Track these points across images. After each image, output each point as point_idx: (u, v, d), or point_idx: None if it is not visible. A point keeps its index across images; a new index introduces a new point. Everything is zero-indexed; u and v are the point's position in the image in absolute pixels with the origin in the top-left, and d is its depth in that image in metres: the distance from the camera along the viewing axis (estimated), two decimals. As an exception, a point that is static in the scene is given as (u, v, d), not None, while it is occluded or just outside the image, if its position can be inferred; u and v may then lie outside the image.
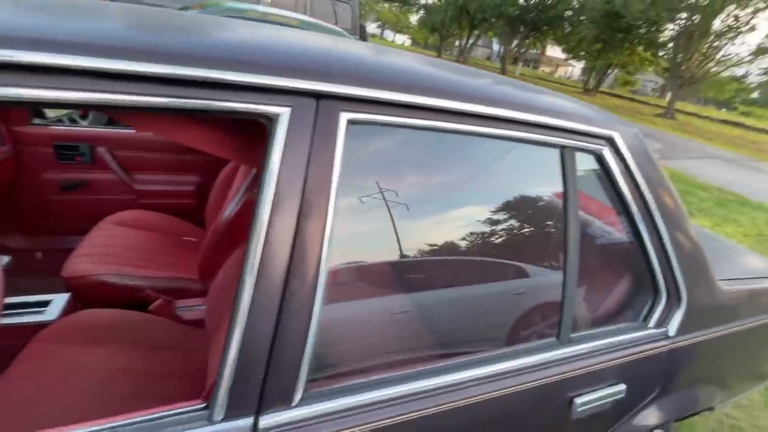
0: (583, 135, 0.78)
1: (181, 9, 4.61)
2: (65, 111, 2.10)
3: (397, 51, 0.92)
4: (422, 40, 55.83)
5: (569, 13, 23.25)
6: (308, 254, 0.57)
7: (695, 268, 0.96)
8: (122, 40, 0.49)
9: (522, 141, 0.74)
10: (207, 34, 0.65)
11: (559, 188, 0.79)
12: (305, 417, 0.59)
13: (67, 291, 1.30)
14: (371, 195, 0.65)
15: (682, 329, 0.97)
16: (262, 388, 0.57)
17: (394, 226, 0.68)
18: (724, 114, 33.28)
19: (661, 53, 20.59)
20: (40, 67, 0.44)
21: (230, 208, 1.22)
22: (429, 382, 0.68)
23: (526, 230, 0.84)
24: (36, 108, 1.80)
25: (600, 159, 0.82)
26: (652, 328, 0.95)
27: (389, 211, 0.67)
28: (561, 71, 58.39)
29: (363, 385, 0.64)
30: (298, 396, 0.59)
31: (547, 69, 57.46)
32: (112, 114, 1.38)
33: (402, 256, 0.71)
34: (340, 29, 4.59)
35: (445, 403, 0.68)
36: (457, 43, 32.54)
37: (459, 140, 0.70)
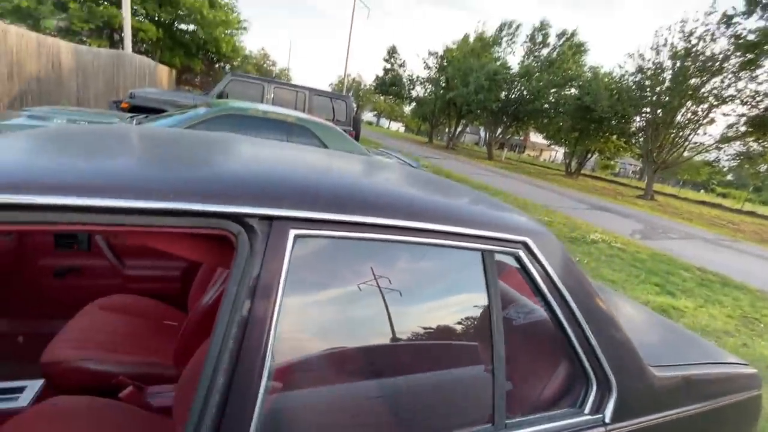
0: (499, 241, 0.95)
1: (193, 105, 5.19)
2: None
3: (345, 165, 1.12)
4: (415, 127, 60.54)
5: (546, 106, 25.76)
6: (254, 349, 0.69)
7: (622, 355, 1.06)
8: (109, 179, 0.67)
9: (448, 247, 0.91)
10: (182, 168, 0.85)
11: (483, 286, 0.93)
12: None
13: (43, 377, 1.35)
14: (315, 295, 0.79)
15: (618, 415, 1.03)
16: None
17: (334, 321, 0.81)
18: (702, 195, 35.08)
19: (633, 141, 22.36)
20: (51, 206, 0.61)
21: (208, 296, 1.33)
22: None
23: (456, 324, 0.96)
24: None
25: (518, 260, 0.98)
26: (588, 414, 1.02)
27: (331, 308, 0.81)
28: (545, 155, 62.58)
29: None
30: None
31: (532, 153, 61.61)
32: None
33: (339, 348, 0.83)
34: (332, 125, 5.11)
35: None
36: (447, 129, 35.33)
37: (390, 248, 0.86)
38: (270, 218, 0.73)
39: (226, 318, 0.68)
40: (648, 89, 18.97)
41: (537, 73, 25.34)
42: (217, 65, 21.51)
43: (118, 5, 13.58)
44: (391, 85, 35.02)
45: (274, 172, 0.89)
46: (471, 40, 30.33)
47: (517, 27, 28.69)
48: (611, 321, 1.06)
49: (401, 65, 35.54)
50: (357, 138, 8.26)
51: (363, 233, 0.80)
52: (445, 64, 31.98)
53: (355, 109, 8.57)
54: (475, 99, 25.00)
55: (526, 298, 1.15)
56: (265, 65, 38.76)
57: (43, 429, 1.07)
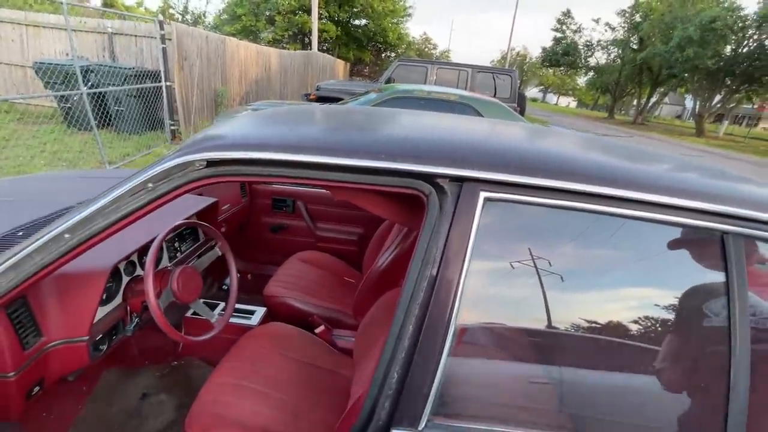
0: (752, 222, 0.71)
1: (365, 92, 5.72)
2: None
3: (535, 134, 1.02)
4: (590, 101, 52.35)
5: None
6: (442, 305, 0.71)
7: None
8: (326, 143, 0.77)
9: (668, 224, 0.73)
10: (383, 133, 0.91)
11: (721, 278, 0.72)
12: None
13: (264, 306, 1.74)
14: (503, 261, 0.76)
15: None
16: (393, 411, 0.71)
17: (525, 291, 0.76)
18: None
19: None
20: (290, 162, 0.74)
21: (382, 260, 1.46)
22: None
23: (667, 320, 0.77)
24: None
25: (781, 249, 0.72)
26: None
27: (520, 278, 0.76)
28: (795, 127, 45.22)
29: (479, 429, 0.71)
30: (423, 422, 0.70)
31: (769, 126, 45.43)
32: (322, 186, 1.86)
33: (532, 322, 0.77)
34: (496, 100, 4.86)
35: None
36: (636, 101, 29.33)
37: (590, 220, 0.74)
38: (461, 179, 0.73)
39: (415, 275, 0.72)
40: None
41: (789, 13, 18.18)
42: (383, 54, 23.12)
43: (309, 12, 15.97)
44: (564, 54, 30.88)
45: (461, 137, 0.88)
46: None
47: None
48: None
49: (576, 31, 30.89)
50: (522, 113, 7.67)
51: (558, 200, 0.72)
52: (639, 19, 26.22)
53: (519, 83, 7.93)
54: (679, 57, 19.62)
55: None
56: (426, 49, 39.57)
57: (265, 342, 1.38)
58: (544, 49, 32.59)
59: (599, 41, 29.75)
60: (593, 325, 0.76)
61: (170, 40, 6.02)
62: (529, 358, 0.80)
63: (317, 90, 8.01)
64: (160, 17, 5.90)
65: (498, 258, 0.77)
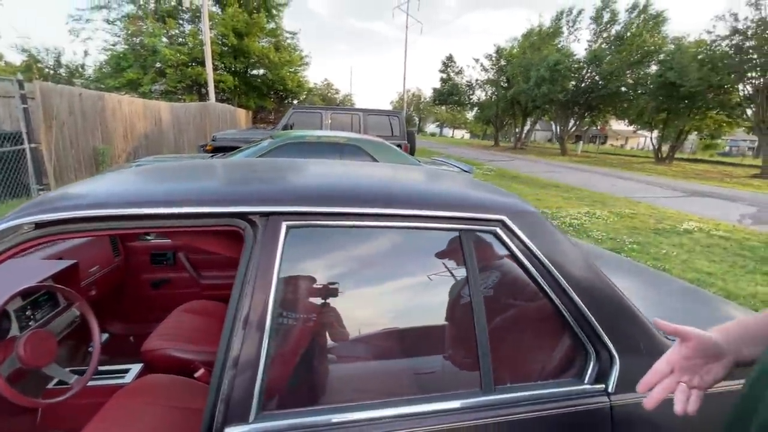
0: (475, 220, 1.04)
1: (261, 140, 5.86)
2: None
3: (341, 169, 1.30)
4: (480, 132, 59.13)
5: (624, 89, 23.45)
6: (258, 317, 0.88)
7: (623, 324, 1.06)
8: (160, 194, 0.93)
9: (426, 230, 1.03)
10: (213, 181, 1.10)
11: (462, 263, 1.03)
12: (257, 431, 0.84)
13: (142, 361, 1.72)
14: (306, 277, 0.98)
15: (625, 385, 1.03)
16: (226, 411, 0.85)
17: (321, 299, 0.98)
18: None
19: (738, 112, 19.25)
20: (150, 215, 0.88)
21: None
22: (351, 415, 0.89)
23: (439, 299, 1.06)
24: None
25: (496, 237, 1.05)
26: (587, 384, 1.04)
27: (320, 288, 0.98)
28: (632, 143, 56.43)
29: (302, 412, 0.89)
30: (252, 416, 0.86)
31: (615, 143, 56.01)
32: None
33: (330, 320, 0.99)
34: (381, 140, 5.38)
35: (367, 434, 0.88)
36: (514, 130, 33.96)
37: (372, 234, 1.01)
38: (267, 214, 0.94)
39: (237, 294, 0.89)
40: (752, 50, 16.32)
41: (608, 56, 23.31)
42: (286, 101, 23.62)
43: (203, 64, 15.82)
44: (449, 94, 34.93)
45: (272, 179, 1.11)
46: (528, 35, 29.09)
47: (579, 12, 26.81)
48: (607, 290, 1.07)
49: (458, 72, 35.32)
50: (412, 150, 8.46)
51: (345, 221, 0.97)
52: (503, 63, 31.04)
53: (418, 121, 8.82)
54: (538, 93, 23.78)
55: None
56: (329, 94, 41.30)
57: (139, 396, 1.39)
58: (434, 89, 36.45)
59: (477, 80, 34.38)
60: (386, 313, 1.01)
61: (32, 98, 5.53)
62: (332, 351, 1.02)
63: (213, 140, 7.90)
64: (19, 76, 5.42)
65: (301, 271, 0.98)
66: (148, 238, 2.44)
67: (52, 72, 23.45)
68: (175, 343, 1.77)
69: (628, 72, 22.80)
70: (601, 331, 1.04)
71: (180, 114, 11.29)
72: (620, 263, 2.18)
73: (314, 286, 0.98)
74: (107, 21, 19.67)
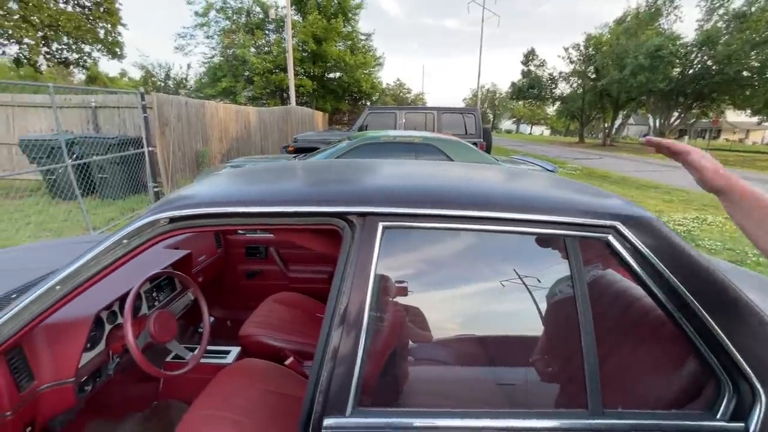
0: (583, 226, 0.95)
1: (339, 141, 6.11)
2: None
3: (422, 169, 1.28)
4: (562, 128, 55.04)
5: (746, 73, 20.01)
6: (355, 314, 0.90)
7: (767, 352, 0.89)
8: (265, 195, 1.00)
9: (524, 235, 0.96)
10: (312, 182, 1.15)
11: (567, 272, 0.95)
12: (353, 425, 0.87)
13: (239, 345, 1.89)
14: (400, 278, 0.97)
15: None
16: (325, 403, 0.88)
17: (425, 297, 0.97)
18: None
19: None
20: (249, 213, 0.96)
21: None
22: (451, 422, 0.87)
23: (537, 310, 0.99)
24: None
25: (608, 245, 0.95)
26: (721, 420, 0.89)
27: (417, 287, 0.97)
28: (756, 136, 47.97)
29: (395, 412, 0.89)
30: (349, 410, 0.88)
31: (732, 137, 48.14)
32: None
33: (429, 322, 0.98)
34: (457, 138, 5.26)
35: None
36: (603, 125, 31.01)
37: (468, 237, 0.97)
38: (364, 214, 0.96)
39: (335, 292, 0.92)
40: None
41: (725, 36, 20.05)
42: (360, 102, 24.39)
43: (285, 71, 16.99)
44: (529, 88, 32.97)
45: (369, 181, 1.13)
46: (621, 20, 26.25)
47: (686, -12, 23.41)
48: (746, 311, 0.90)
49: (540, 65, 33.18)
50: (489, 148, 8.16)
51: (440, 224, 0.95)
52: (592, 52, 28.43)
53: (492, 118, 8.51)
54: (634, 83, 21.28)
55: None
56: (400, 93, 41.69)
57: (238, 376, 1.53)
58: (512, 83, 34.66)
59: (561, 73, 31.94)
60: (475, 316, 0.97)
61: (151, 108, 6.41)
62: (430, 350, 1.00)
63: (295, 142, 8.44)
64: (141, 89, 6.32)
65: (396, 272, 0.98)
66: (241, 233, 2.68)
67: (162, 84, 27.09)
68: (268, 331, 1.92)
69: (752, 54, 19.36)
70: (740, 359, 0.88)
71: (265, 118, 12.25)
72: (746, 278, 1.85)
73: (407, 287, 0.98)
74: (206, 36, 22.15)
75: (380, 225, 0.95)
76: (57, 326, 1.19)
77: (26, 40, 18.82)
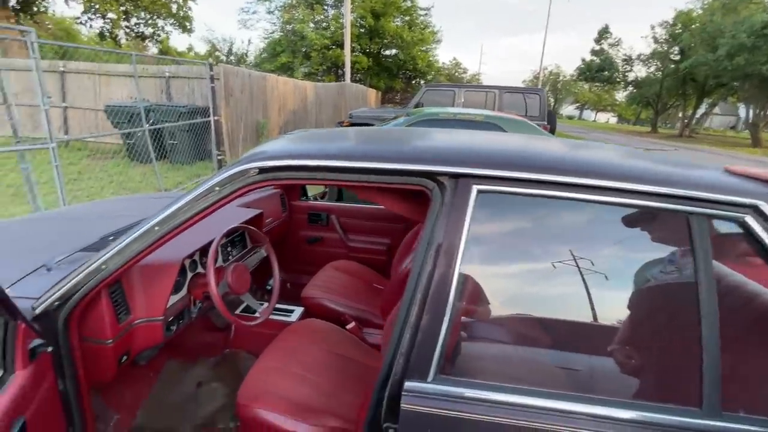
0: (714, 203, 0.82)
1: (394, 117, 6.02)
2: (318, 192, 3.18)
3: (527, 139, 1.17)
4: (632, 116, 50.45)
5: None
6: (443, 279, 0.86)
7: None
8: (352, 151, 0.96)
9: (638, 208, 0.85)
10: (397, 142, 1.10)
11: (689, 255, 0.83)
12: (434, 391, 0.84)
13: (302, 306, 1.95)
14: (494, 245, 0.90)
15: None
16: (406, 366, 0.86)
17: (514, 268, 0.90)
18: None
19: None
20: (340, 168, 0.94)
21: (406, 263, 1.62)
22: (538, 401, 0.81)
23: (647, 294, 0.88)
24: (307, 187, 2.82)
25: (743, 227, 0.81)
26: None
27: (509, 257, 0.90)
28: None
29: (480, 384, 0.84)
30: (431, 376, 0.85)
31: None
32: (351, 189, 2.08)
33: (518, 294, 0.90)
34: (521, 118, 4.97)
35: (551, 426, 0.79)
36: (681, 113, 27.99)
37: (570, 207, 0.88)
38: (457, 176, 0.89)
39: (422, 254, 0.88)
40: None
41: None
42: (413, 81, 23.87)
43: (341, 47, 16.96)
44: (599, 70, 30.30)
45: (460, 143, 1.05)
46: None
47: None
48: None
49: (615, 44, 30.27)
50: (552, 131, 7.65)
51: (541, 190, 0.86)
52: (679, 30, 25.42)
53: (553, 103, 7.97)
54: (729, 66, 18.71)
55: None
56: (456, 74, 40.22)
57: (303, 335, 1.57)
58: (582, 63, 31.95)
59: (640, 54, 28.95)
60: (575, 295, 0.88)
61: (218, 79, 6.69)
62: (515, 326, 0.93)
63: (350, 117, 8.47)
64: (210, 61, 6.60)
65: (489, 240, 0.92)
66: (304, 199, 2.73)
67: (225, 59, 28.25)
68: (329, 295, 1.95)
69: None
70: None
71: (321, 93, 12.38)
72: None
73: (499, 256, 0.91)
74: (268, 11, 22.61)
75: (474, 188, 0.88)
76: (149, 268, 1.27)
77: (110, 14, 20.35)
